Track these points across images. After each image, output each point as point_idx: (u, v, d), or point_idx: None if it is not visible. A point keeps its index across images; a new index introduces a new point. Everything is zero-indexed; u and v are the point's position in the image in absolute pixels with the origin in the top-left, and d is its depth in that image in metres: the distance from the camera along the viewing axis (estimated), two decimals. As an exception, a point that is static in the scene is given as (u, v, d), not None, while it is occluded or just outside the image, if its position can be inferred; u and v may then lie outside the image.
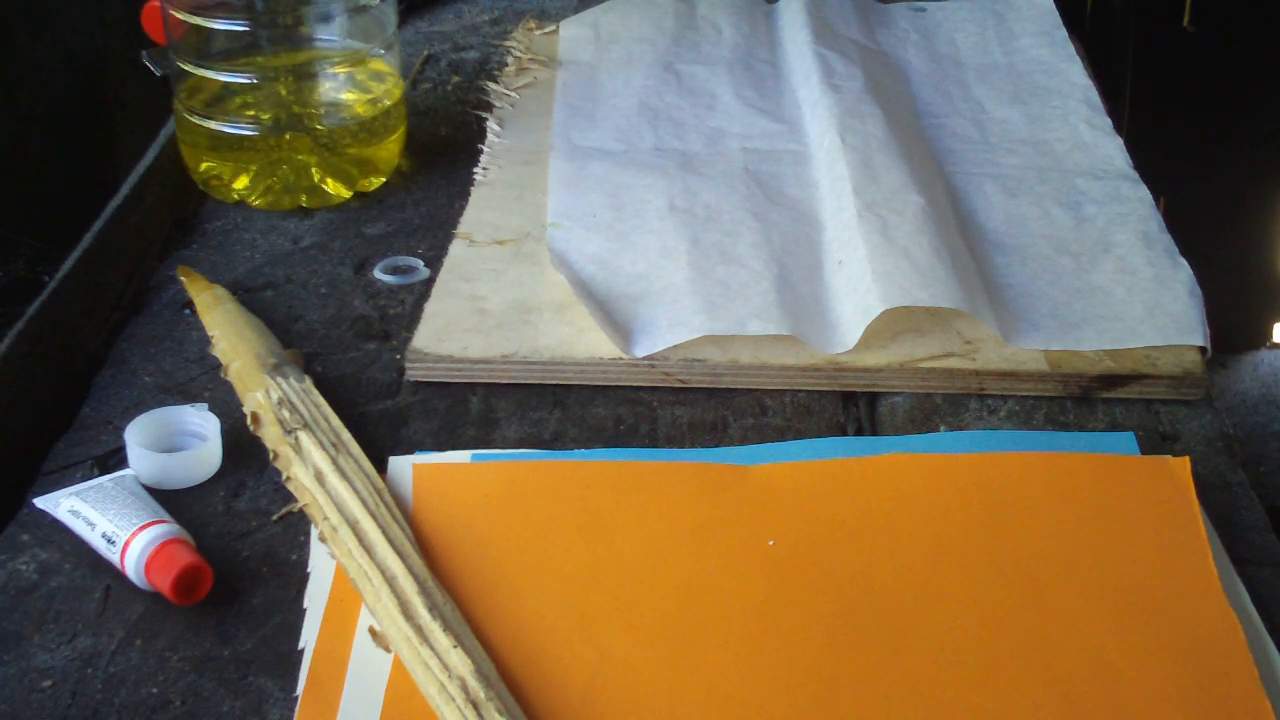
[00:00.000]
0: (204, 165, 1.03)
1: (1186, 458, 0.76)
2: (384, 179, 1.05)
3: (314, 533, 0.72)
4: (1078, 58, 1.19)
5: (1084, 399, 0.83)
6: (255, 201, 1.02)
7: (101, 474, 0.77)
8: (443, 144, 1.12)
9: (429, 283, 0.92)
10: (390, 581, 0.67)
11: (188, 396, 0.83)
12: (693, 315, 0.85)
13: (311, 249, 0.98)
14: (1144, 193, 1.00)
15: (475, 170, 1.04)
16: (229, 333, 0.85)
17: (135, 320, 0.91)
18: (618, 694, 0.64)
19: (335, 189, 1.03)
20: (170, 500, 0.74)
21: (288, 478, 0.75)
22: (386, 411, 0.83)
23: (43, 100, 1.50)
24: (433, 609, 0.65)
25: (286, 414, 0.77)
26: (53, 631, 0.68)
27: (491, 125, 1.11)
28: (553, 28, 1.25)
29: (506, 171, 1.04)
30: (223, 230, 1.00)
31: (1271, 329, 1.86)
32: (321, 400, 0.79)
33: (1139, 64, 1.58)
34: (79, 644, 0.67)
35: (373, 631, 0.66)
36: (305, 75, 1.03)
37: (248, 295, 0.92)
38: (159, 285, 0.94)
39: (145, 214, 1.00)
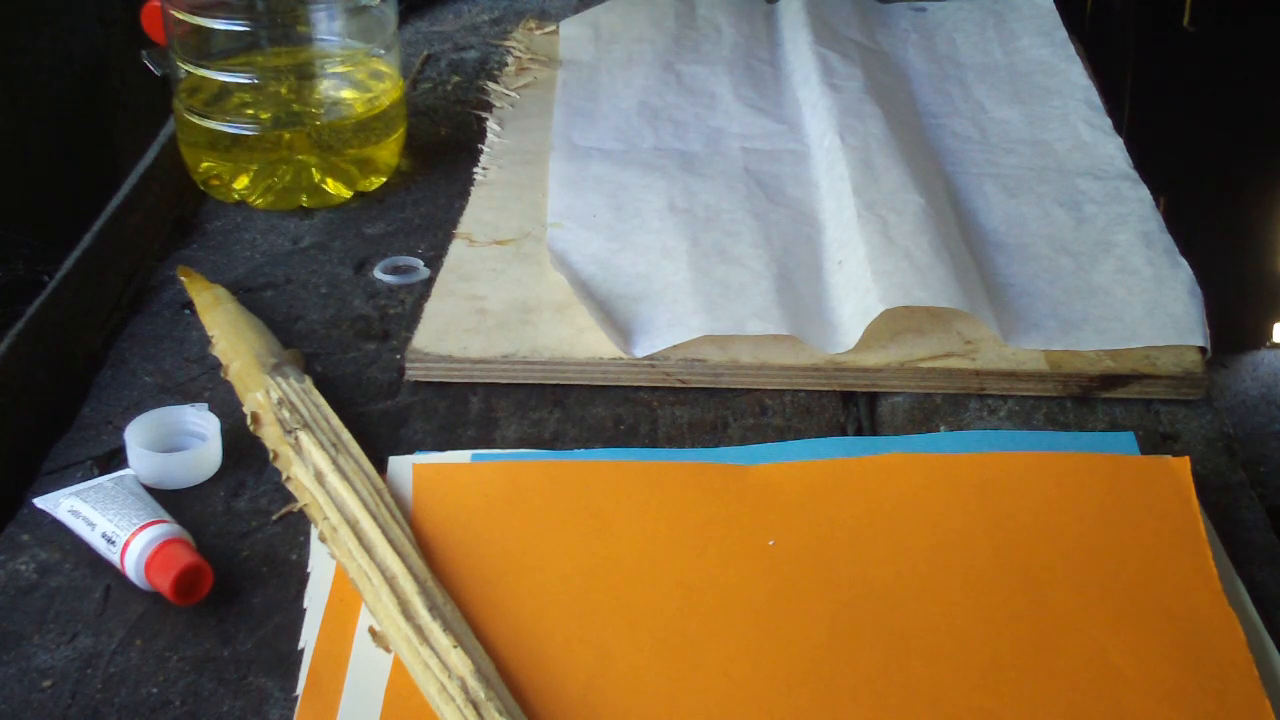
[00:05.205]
0: (204, 165, 1.03)
1: (1186, 458, 0.76)
2: (384, 179, 1.05)
3: (314, 533, 0.72)
4: (1078, 58, 1.19)
5: (1084, 399, 0.83)
6: (255, 201, 1.02)
7: (101, 474, 0.77)
8: (443, 144, 1.12)
9: (429, 283, 0.92)
10: (390, 581, 0.67)
11: (188, 396, 0.83)
12: (692, 315, 0.85)
13: (311, 249, 0.98)
14: (1144, 193, 1.00)
15: (475, 170, 1.04)
16: (229, 333, 0.85)
17: (135, 320, 0.91)
18: (618, 694, 0.64)
19: (335, 189, 1.03)
20: (170, 500, 0.74)
21: (288, 478, 0.75)
22: (386, 411, 0.83)
23: (43, 100, 1.50)
24: (433, 609, 0.65)
25: (286, 414, 0.77)
26: (53, 631, 0.68)
27: (491, 125, 1.11)
28: (553, 28, 1.25)
29: (506, 171, 1.04)
30: (223, 230, 1.01)
31: (1271, 329, 1.86)
32: (321, 400, 0.79)
33: (1139, 64, 1.58)
34: (79, 644, 0.67)
35: (373, 631, 0.66)
36: (305, 75, 1.03)
37: (248, 295, 0.92)
38: (159, 285, 0.94)
39: (145, 214, 1.00)
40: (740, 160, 1.04)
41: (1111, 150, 1.06)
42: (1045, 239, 0.95)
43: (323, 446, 0.75)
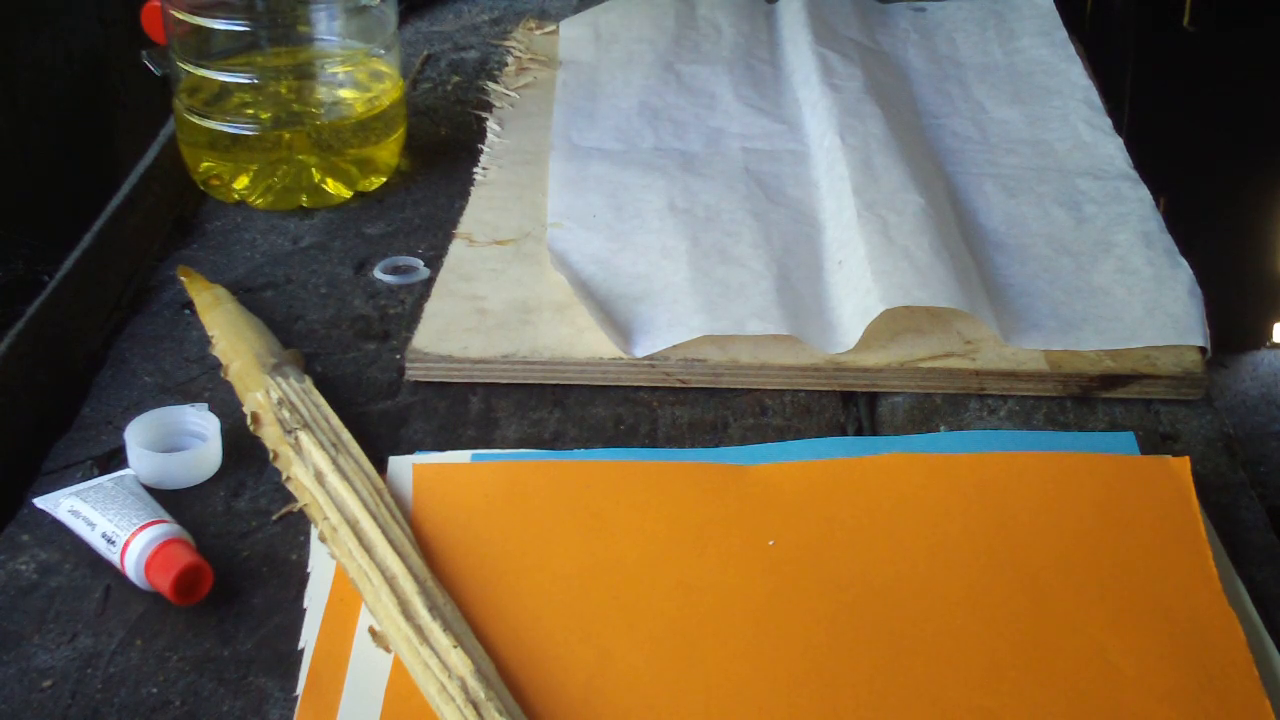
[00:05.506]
0: (204, 165, 1.03)
1: (1186, 458, 0.76)
2: (384, 179, 1.05)
3: (314, 533, 0.72)
4: (1078, 58, 1.19)
5: (1084, 399, 0.83)
6: (255, 201, 1.02)
7: (101, 474, 0.77)
8: (443, 144, 1.12)
9: (429, 283, 0.92)
10: (390, 581, 0.67)
11: (188, 396, 0.83)
12: (693, 315, 0.85)
13: (311, 249, 0.98)
14: (1144, 193, 1.00)
15: (475, 170, 1.04)
16: (229, 333, 0.85)
17: (135, 320, 0.91)
18: (618, 694, 0.64)
19: (335, 189, 1.03)
20: (170, 500, 0.74)
21: (288, 478, 0.75)
22: (386, 411, 0.83)
23: (43, 100, 1.50)
24: (433, 609, 0.65)
25: (286, 414, 0.77)
26: (53, 631, 0.68)
27: (491, 125, 1.11)
28: (553, 28, 1.25)
29: (506, 171, 1.04)
30: (223, 230, 1.01)
31: (1271, 329, 1.86)
32: (321, 400, 0.79)
33: (1139, 64, 1.58)
34: (79, 644, 0.67)
35: (373, 631, 0.66)
36: (305, 75, 1.03)
37: (248, 295, 0.92)
38: (159, 285, 0.94)
39: (145, 214, 1.00)
40: (740, 160, 1.04)
41: (1111, 150, 1.06)
42: (1045, 239, 0.95)
43: (323, 446, 0.75)
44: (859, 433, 0.82)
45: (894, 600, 0.68)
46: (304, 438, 0.75)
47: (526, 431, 0.81)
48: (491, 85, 1.17)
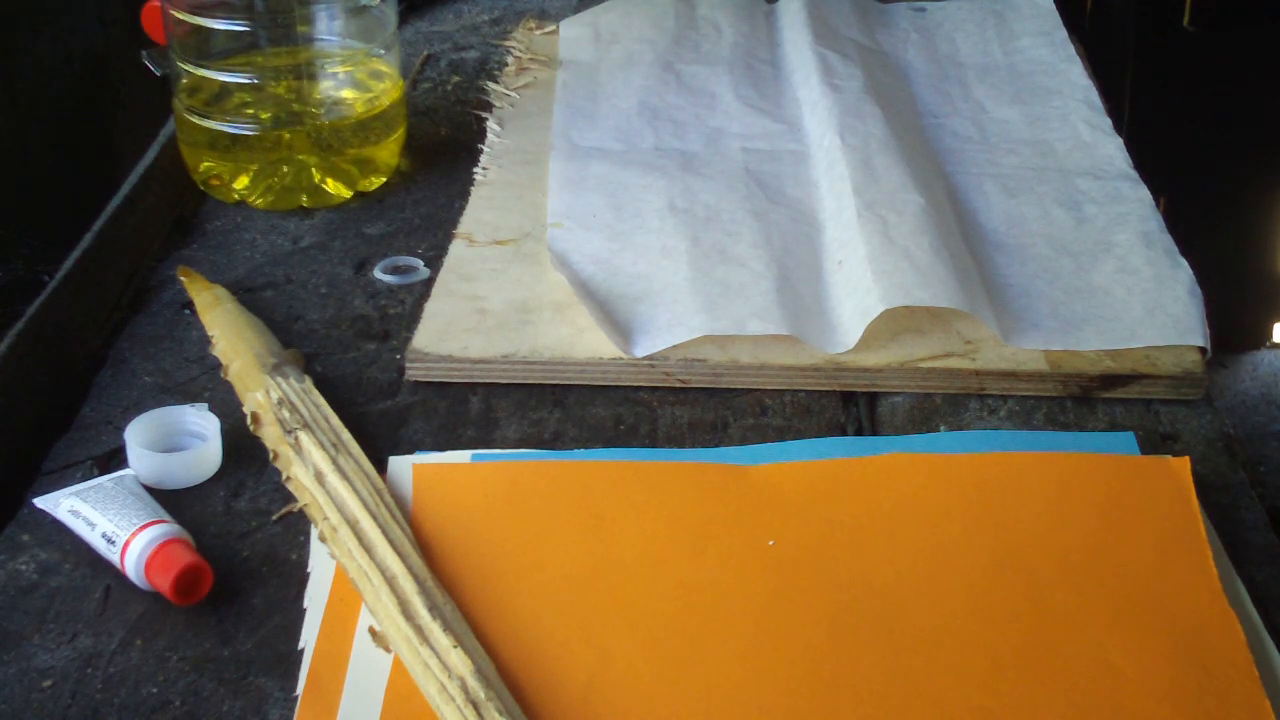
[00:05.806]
0: (204, 165, 1.03)
1: (1186, 458, 0.76)
2: (384, 179, 1.05)
3: (314, 533, 0.72)
4: (1078, 58, 1.19)
5: (1084, 399, 0.83)
6: (256, 201, 1.02)
7: (101, 474, 0.77)
8: (443, 144, 1.12)
9: (429, 283, 0.92)
10: (390, 581, 0.67)
11: (188, 396, 0.83)
12: (693, 315, 0.85)
13: (311, 249, 0.98)
14: (1144, 193, 1.00)
15: (475, 170, 1.04)
16: (229, 333, 0.85)
17: (135, 320, 0.91)
18: (618, 694, 0.64)
19: (335, 189, 1.03)
20: (170, 500, 0.74)
21: (288, 478, 0.75)
22: (386, 411, 0.83)
23: (43, 100, 1.50)
24: (433, 609, 0.65)
25: (286, 414, 0.77)
26: (53, 631, 0.68)
27: (491, 125, 1.11)
28: (553, 28, 1.25)
29: (506, 171, 1.04)
30: (223, 230, 1.01)
31: (1271, 329, 1.86)
32: (321, 400, 0.79)
33: (1139, 64, 1.58)
34: (79, 644, 0.67)
35: (373, 631, 0.66)
36: (305, 75, 1.03)
37: (248, 295, 0.92)
38: (159, 285, 0.94)
39: (145, 214, 1.00)
40: (740, 160, 1.04)
41: (1111, 150, 1.06)
42: (1045, 239, 0.95)
43: (323, 446, 0.75)
44: (859, 433, 0.82)
45: (894, 600, 0.68)
46: (304, 438, 0.75)
47: (526, 431, 0.81)
48: (491, 85, 1.17)
